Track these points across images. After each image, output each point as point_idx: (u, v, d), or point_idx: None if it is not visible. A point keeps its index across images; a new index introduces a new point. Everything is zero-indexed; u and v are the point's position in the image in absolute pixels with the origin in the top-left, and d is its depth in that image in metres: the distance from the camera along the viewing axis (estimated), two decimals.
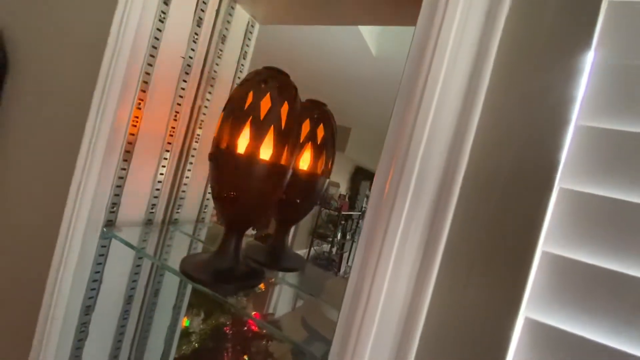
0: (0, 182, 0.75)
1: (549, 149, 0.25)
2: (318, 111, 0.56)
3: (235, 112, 0.41)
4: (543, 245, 0.26)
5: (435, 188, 0.28)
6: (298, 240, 4.08)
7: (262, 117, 0.40)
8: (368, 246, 0.30)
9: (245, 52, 0.73)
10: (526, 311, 0.26)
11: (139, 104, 0.55)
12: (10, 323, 0.65)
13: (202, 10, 0.62)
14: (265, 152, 0.41)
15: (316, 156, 0.54)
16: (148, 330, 0.67)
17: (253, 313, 2.09)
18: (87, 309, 0.56)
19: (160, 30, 0.55)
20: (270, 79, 0.43)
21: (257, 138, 0.40)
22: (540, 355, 0.25)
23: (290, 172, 0.46)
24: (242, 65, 0.73)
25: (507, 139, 0.27)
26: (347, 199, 4.35)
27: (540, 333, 0.25)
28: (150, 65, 0.55)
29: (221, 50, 0.67)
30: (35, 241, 0.63)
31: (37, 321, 0.54)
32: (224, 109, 0.43)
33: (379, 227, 0.29)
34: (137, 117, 0.56)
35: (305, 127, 0.54)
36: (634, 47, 0.26)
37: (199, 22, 0.61)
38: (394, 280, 0.28)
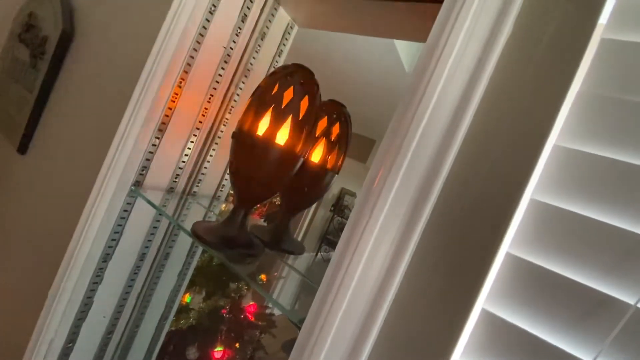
0: (52, 135, 0.84)
1: (522, 163, 0.29)
2: (336, 111, 0.60)
3: (260, 99, 0.46)
4: (508, 248, 0.29)
5: (418, 184, 0.32)
6: (307, 244, 4.12)
7: (283, 105, 0.45)
8: (354, 227, 0.34)
9: (281, 50, 0.79)
10: (484, 303, 0.29)
11: (180, 83, 0.62)
12: (38, 260, 0.74)
13: (248, 8, 0.68)
14: (281, 138, 0.46)
15: (328, 152, 0.58)
16: (154, 288, 0.74)
17: (250, 303, 2.13)
18: (106, 257, 0.63)
19: (208, 21, 0.62)
20: (296, 74, 0.48)
21: (275, 124, 0.45)
22: (493, 345, 0.28)
23: (301, 160, 0.50)
24: (277, 62, 0.79)
25: (486, 151, 0.30)
26: None
27: (496, 325, 0.28)
28: (195, 50, 0.62)
29: (259, 46, 0.73)
30: (72, 189, 0.71)
31: (62, 259, 0.61)
32: (252, 95, 0.48)
33: (365, 213, 0.33)
34: (176, 94, 0.62)
35: (322, 123, 0.58)
36: (617, 81, 0.29)
37: (243, 18, 0.68)
38: (369, 262, 0.32)
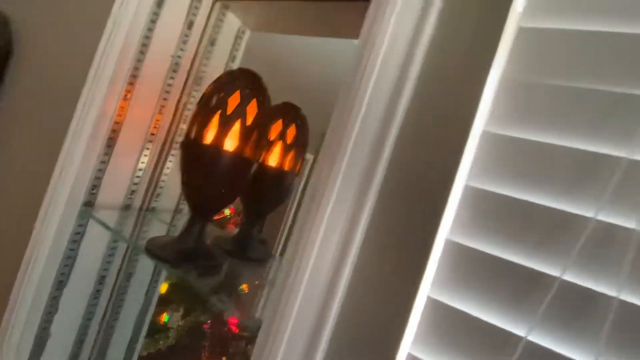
0: None
1: (454, 152, 0.29)
2: (291, 113, 0.60)
3: (206, 106, 0.45)
4: (448, 234, 0.30)
5: (360, 179, 0.32)
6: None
7: (229, 111, 0.45)
8: (302, 226, 0.33)
9: (234, 55, 0.78)
10: (430, 291, 0.30)
11: (126, 95, 0.59)
12: None
13: (194, 15, 0.67)
14: (230, 145, 0.45)
15: (285, 154, 0.58)
16: (118, 312, 0.70)
17: (235, 313, 2.09)
18: (59, 284, 0.59)
19: (151, 30, 0.60)
20: (242, 78, 0.47)
21: (222, 130, 0.44)
22: (440, 331, 0.29)
23: (255, 165, 0.49)
24: (231, 67, 0.78)
25: (420, 140, 0.31)
26: None
27: (440, 311, 0.29)
28: (139, 61, 0.60)
29: (210, 53, 0.72)
30: (19, 213, 0.66)
31: (12, 287, 0.57)
32: (198, 103, 0.47)
33: (312, 211, 0.33)
34: (123, 108, 0.60)
35: (277, 126, 0.58)
36: (537, 67, 0.31)
37: (189, 26, 0.66)
38: (319, 260, 0.32)
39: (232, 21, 0.75)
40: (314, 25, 0.68)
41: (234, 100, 0.45)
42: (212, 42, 0.72)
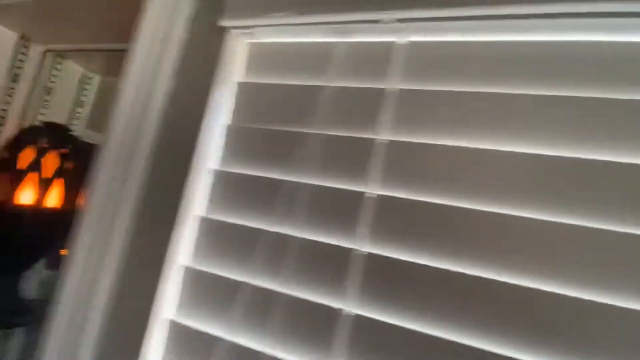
0: None
1: (180, 187, 0.35)
2: None
3: None
4: (189, 262, 0.35)
5: (110, 215, 0.36)
6: None
7: (19, 167, 0.46)
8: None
9: (82, 100, 0.78)
10: (175, 315, 0.34)
11: None
12: None
13: (19, 68, 0.66)
14: (27, 199, 0.46)
15: None
16: None
17: None
18: None
19: None
20: (38, 133, 0.49)
21: (13, 186, 0.45)
22: (184, 351, 0.33)
23: (67, 213, 0.51)
24: (79, 113, 0.78)
25: (161, 176, 0.36)
26: None
27: (180, 333, 0.33)
28: None
29: (47, 101, 0.71)
30: None
31: None
32: None
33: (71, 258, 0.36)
34: None
35: None
36: (255, 114, 0.37)
37: (14, 78, 0.66)
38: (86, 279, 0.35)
39: (72, 69, 0.76)
40: None
41: (26, 156, 0.46)
42: (48, 92, 0.71)
